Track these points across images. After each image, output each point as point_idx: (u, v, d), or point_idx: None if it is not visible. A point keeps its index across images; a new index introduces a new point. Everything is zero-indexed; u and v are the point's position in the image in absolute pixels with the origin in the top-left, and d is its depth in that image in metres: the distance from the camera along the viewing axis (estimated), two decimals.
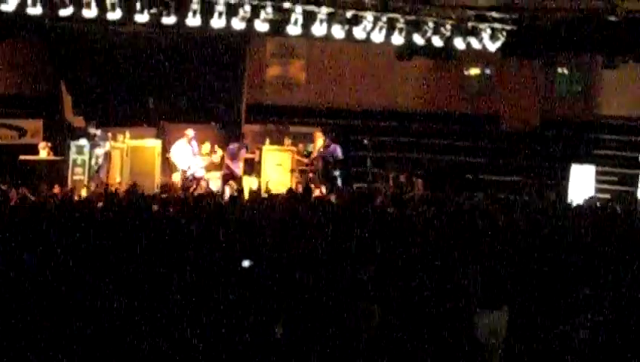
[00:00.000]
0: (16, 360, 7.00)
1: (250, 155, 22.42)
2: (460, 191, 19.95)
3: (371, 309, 8.06)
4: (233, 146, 21.87)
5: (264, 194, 19.09)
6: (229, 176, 21.42)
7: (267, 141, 22.69)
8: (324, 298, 8.50)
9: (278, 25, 19.93)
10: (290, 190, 18.93)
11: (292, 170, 22.10)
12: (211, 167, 21.78)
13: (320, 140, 22.59)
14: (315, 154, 22.44)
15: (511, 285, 9.10)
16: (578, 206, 18.88)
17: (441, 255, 10.87)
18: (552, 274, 10.13)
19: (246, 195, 18.33)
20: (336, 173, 21.86)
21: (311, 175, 21.98)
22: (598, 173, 21.93)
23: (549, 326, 7.82)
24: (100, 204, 15.16)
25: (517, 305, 8.43)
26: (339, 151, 21.96)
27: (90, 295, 8.33)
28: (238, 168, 21.75)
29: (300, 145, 23.11)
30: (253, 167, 22.25)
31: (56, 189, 18.11)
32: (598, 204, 18.81)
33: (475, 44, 21.69)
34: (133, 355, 7.07)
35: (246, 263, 10.19)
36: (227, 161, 21.75)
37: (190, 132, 21.44)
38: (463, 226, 13.76)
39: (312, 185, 20.21)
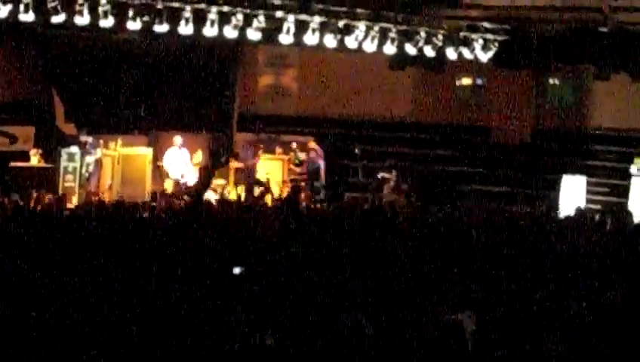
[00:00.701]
0: None
1: (239, 165, 22.49)
2: (448, 201, 20.07)
3: (359, 318, 8.11)
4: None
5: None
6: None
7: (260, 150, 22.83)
8: (314, 307, 8.56)
9: (271, 34, 20.02)
10: (279, 198, 19.10)
11: (283, 181, 22.23)
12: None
13: (312, 143, 22.73)
14: (305, 159, 22.62)
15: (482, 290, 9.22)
16: (567, 216, 19.03)
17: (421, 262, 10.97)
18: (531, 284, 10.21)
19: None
20: (318, 183, 22.00)
21: (302, 184, 22.05)
22: (589, 183, 22.01)
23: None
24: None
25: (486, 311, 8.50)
26: (320, 163, 22.15)
27: (79, 303, 8.35)
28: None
29: (292, 154, 23.18)
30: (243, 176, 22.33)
31: (47, 196, 18.17)
32: (588, 215, 18.97)
33: (466, 54, 21.79)
34: None
35: (237, 270, 10.24)
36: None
37: (178, 139, 21.51)
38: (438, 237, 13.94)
39: (303, 194, 20.34)
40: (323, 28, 20.15)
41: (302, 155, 22.89)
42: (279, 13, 19.77)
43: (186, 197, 20.05)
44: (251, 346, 7.23)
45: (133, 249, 11.50)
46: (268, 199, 20.77)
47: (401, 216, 17.80)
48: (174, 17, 18.88)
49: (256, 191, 21.30)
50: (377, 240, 13.27)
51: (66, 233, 12.98)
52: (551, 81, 23.53)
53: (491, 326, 8.14)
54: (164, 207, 17.62)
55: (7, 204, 17.05)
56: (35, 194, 17.83)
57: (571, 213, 19.43)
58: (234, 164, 22.41)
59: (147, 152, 21.79)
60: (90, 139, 21.01)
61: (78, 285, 9.21)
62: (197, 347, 7.24)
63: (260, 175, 22.20)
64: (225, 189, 21.47)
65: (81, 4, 18.02)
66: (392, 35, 20.86)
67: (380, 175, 21.96)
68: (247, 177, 22.02)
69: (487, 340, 7.84)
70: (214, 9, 19.14)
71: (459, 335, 7.17)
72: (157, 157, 21.74)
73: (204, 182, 21.13)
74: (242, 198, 20.18)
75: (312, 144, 22.73)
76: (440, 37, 21.42)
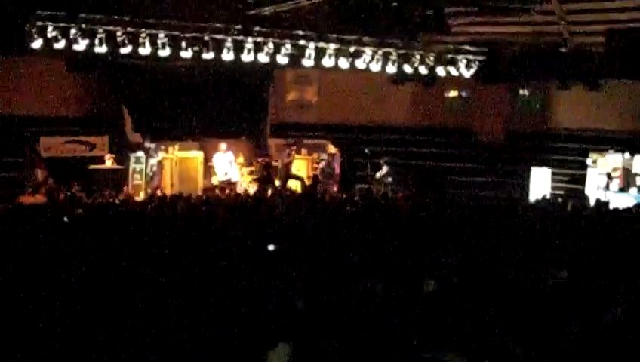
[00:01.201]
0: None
1: (274, 163, 22.63)
2: (440, 190, 20.11)
3: (371, 284, 8.13)
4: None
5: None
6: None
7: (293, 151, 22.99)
8: (335, 275, 8.63)
9: (296, 58, 20.09)
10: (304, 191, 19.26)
11: (308, 176, 22.34)
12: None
13: (332, 149, 22.83)
14: (326, 160, 22.74)
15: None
16: (536, 200, 19.06)
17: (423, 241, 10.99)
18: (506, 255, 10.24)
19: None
20: (332, 182, 22.13)
21: (320, 177, 22.24)
22: (553, 174, 21.98)
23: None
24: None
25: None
26: (335, 167, 22.31)
27: (154, 284, 8.37)
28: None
29: (315, 155, 23.31)
30: (277, 173, 22.44)
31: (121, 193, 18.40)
32: (552, 199, 18.98)
33: (453, 71, 21.84)
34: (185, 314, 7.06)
35: (271, 247, 10.31)
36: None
37: (223, 145, 21.69)
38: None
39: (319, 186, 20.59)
40: (337, 53, 20.20)
41: (323, 155, 23.03)
42: (302, 42, 19.83)
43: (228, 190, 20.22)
44: (285, 309, 7.29)
45: (192, 235, 11.56)
46: (298, 188, 20.98)
47: (400, 202, 17.92)
48: (218, 47, 18.96)
49: (292, 183, 21.48)
50: (380, 222, 13.33)
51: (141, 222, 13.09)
52: (521, 92, 23.47)
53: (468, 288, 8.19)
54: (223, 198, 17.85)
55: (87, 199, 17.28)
56: (109, 192, 18.01)
57: (539, 197, 19.51)
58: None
59: (199, 155, 21.90)
60: (153, 145, 21.19)
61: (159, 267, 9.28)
62: (242, 309, 7.31)
63: (294, 171, 22.43)
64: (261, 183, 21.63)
65: (144, 38, 18.11)
66: (393, 57, 20.91)
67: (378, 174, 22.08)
68: (284, 172, 22.21)
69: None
70: (250, 39, 19.21)
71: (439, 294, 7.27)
72: (206, 159, 21.87)
73: (267, 178, 21.39)
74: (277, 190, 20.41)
75: (331, 146, 22.84)
76: (432, 58, 21.46)
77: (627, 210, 15.12)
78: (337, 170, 22.55)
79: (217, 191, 20.34)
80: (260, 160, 22.24)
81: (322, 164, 22.64)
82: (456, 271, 8.42)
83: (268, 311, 7.18)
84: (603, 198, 17.50)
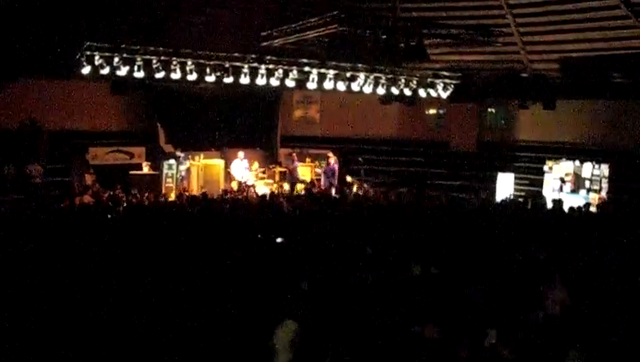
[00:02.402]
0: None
1: (282, 169, 22.64)
2: (422, 192, 20.11)
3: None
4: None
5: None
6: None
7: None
8: (332, 263, 8.61)
9: (301, 82, 20.08)
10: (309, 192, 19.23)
11: (310, 180, 22.35)
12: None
13: (332, 159, 22.80)
14: (327, 164, 22.73)
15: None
16: (502, 200, 19.04)
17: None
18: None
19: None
20: (334, 181, 22.04)
21: (320, 181, 22.36)
22: (516, 178, 21.93)
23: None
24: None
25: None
26: (335, 168, 22.23)
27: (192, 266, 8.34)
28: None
29: (317, 163, 23.32)
30: (285, 177, 22.46)
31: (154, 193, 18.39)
32: (515, 200, 18.98)
33: (432, 93, 21.82)
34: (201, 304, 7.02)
35: (279, 239, 10.27)
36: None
37: (241, 154, 21.73)
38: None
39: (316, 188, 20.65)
40: (336, 77, 20.15)
41: (324, 163, 23.02)
42: (307, 68, 19.81)
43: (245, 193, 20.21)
44: (291, 290, 7.26)
45: (213, 229, 11.53)
46: (299, 188, 21.11)
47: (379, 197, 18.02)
48: (237, 73, 18.92)
49: (299, 186, 21.50)
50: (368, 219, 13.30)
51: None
52: (489, 110, 23.47)
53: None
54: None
55: (129, 198, 17.27)
56: (147, 194, 17.99)
57: (504, 198, 19.51)
58: (278, 169, 22.54)
59: (220, 163, 21.92)
60: (182, 155, 21.19)
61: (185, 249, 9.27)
62: (254, 290, 7.28)
63: (300, 176, 22.46)
64: (272, 185, 21.62)
65: (175, 65, 18.07)
66: (382, 81, 20.87)
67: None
68: (291, 177, 22.24)
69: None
70: (263, 66, 19.16)
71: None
72: (227, 166, 21.86)
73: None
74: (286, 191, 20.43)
75: (331, 154, 22.80)
76: (414, 82, 21.43)
77: (578, 208, 15.21)
78: (337, 171, 22.48)
79: (236, 193, 20.30)
80: (271, 166, 22.46)
81: (325, 168, 22.65)
82: (436, 259, 8.39)
83: (277, 291, 7.17)
84: (559, 198, 17.47)
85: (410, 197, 18.73)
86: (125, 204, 16.04)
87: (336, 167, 22.43)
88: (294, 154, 23.09)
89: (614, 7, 17.71)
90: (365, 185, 21.90)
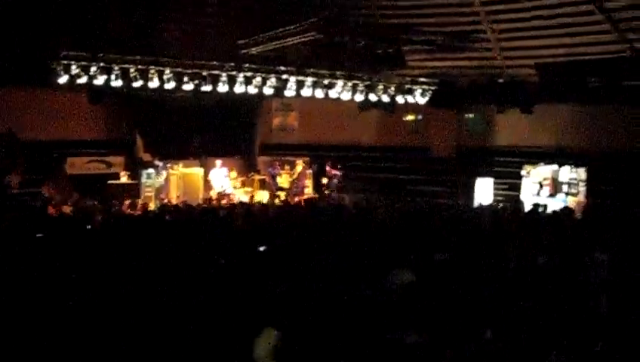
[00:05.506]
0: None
1: (261, 177, 22.62)
2: (401, 199, 20.14)
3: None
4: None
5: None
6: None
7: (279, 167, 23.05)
8: (307, 265, 8.67)
9: (279, 90, 20.10)
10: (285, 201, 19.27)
11: (289, 188, 22.38)
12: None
13: (299, 167, 22.83)
14: (296, 176, 22.69)
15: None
16: (480, 205, 19.15)
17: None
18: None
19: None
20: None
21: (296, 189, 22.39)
22: (494, 183, 22.08)
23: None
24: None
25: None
26: (303, 183, 22.29)
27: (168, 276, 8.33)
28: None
29: (293, 171, 23.36)
30: (264, 185, 22.45)
31: (137, 203, 18.31)
32: (494, 204, 19.09)
33: (410, 99, 21.94)
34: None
35: (261, 248, 10.29)
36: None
37: (218, 162, 21.70)
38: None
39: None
40: (314, 85, 20.23)
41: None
42: (285, 76, 19.84)
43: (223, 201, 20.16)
44: (269, 292, 7.26)
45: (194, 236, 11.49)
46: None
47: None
48: (215, 81, 18.93)
49: (280, 194, 21.55)
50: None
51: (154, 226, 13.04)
52: (467, 115, 23.56)
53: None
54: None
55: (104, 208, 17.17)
56: (128, 202, 17.93)
57: (483, 202, 19.63)
58: (257, 177, 22.54)
59: (199, 171, 21.89)
60: (161, 163, 21.13)
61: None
62: (236, 298, 7.28)
63: (279, 184, 22.50)
64: (252, 193, 21.62)
65: (152, 74, 18.07)
66: (361, 88, 20.98)
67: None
68: (272, 185, 22.24)
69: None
70: (241, 74, 19.18)
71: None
72: (206, 175, 21.82)
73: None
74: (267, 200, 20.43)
75: (299, 162, 22.91)
76: (393, 88, 21.54)
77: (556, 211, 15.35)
78: (304, 185, 22.44)
79: (214, 202, 20.26)
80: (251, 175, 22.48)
81: (295, 182, 22.70)
82: (418, 266, 8.41)
83: (258, 293, 7.18)
84: (538, 202, 17.60)
85: (389, 206, 18.71)
86: (100, 216, 15.89)
87: (305, 182, 22.37)
88: (277, 163, 23.11)
89: (590, 12, 17.89)
90: (340, 194, 21.93)
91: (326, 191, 22.35)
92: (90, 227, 13.51)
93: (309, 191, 22.45)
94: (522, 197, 20.36)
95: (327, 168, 22.43)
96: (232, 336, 6.03)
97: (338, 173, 22.48)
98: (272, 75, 19.65)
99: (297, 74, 19.95)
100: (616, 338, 6.25)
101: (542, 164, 20.76)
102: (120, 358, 6.02)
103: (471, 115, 23.79)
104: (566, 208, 16.21)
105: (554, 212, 15.26)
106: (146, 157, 21.91)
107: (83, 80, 17.48)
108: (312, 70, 20.00)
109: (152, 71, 18.04)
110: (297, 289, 7.49)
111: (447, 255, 9.08)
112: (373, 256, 9.26)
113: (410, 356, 5.63)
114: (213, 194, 21.23)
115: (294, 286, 7.56)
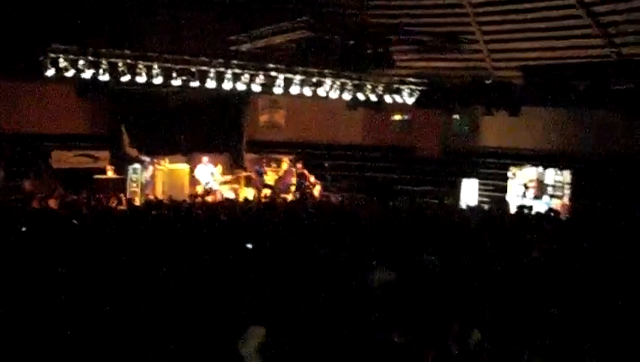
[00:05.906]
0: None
1: (247, 174, 22.57)
2: (388, 199, 20.16)
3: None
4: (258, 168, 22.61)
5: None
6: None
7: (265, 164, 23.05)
8: (292, 264, 8.68)
9: (267, 87, 20.09)
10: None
11: (274, 186, 22.33)
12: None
13: (285, 164, 22.81)
14: (281, 175, 22.64)
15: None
16: (467, 206, 19.21)
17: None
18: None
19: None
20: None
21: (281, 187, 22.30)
22: (480, 184, 22.19)
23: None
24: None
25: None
26: (289, 181, 22.17)
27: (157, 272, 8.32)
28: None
29: (279, 169, 23.30)
30: (250, 182, 22.39)
31: (122, 198, 18.25)
32: (480, 205, 19.15)
33: (398, 99, 22.00)
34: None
35: (249, 245, 10.30)
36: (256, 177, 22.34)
37: (205, 158, 21.60)
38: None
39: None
40: (302, 82, 20.24)
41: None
42: (273, 73, 19.84)
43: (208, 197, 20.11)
44: (258, 290, 7.27)
45: (181, 233, 11.48)
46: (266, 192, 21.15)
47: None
48: (203, 77, 18.90)
49: (265, 191, 21.49)
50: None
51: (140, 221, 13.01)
52: (454, 116, 23.66)
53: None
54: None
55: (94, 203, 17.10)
56: (114, 197, 17.86)
57: (469, 203, 19.70)
58: (243, 174, 22.50)
59: (185, 167, 21.78)
60: (147, 159, 21.07)
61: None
62: (223, 295, 7.28)
63: (265, 181, 22.44)
64: (238, 190, 21.58)
65: (140, 69, 18.01)
66: (349, 87, 21.00)
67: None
68: (258, 182, 22.18)
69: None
70: (230, 71, 19.17)
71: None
72: (192, 171, 21.75)
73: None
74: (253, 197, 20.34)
75: (285, 159, 22.88)
76: (380, 88, 21.60)
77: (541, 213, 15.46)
78: (290, 185, 22.33)
79: (200, 198, 20.19)
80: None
81: (280, 181, 22.62)
82: (404, 265, 8.44)
83: (247, 290, 7.19)
84: (524, 204, 17.72)
85: (373, 205, 18.73)
86: (86, 210, 15.83)
87: (290, 179, 22.30)
88: (263, 161, 23.10)
89: (577, 16, 18.01)
90: (327, 192, 21.92)
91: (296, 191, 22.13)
92: (76, 221, 13.46)
93: (293, 188, 22.39)
94: (508, 198, 20.47)
95: (299, 166, 22.35)
96: (217, 333, 6.03)
97: (306, 172, 22.29)
98: (261, 72, 19.64)
99: (286, 71, 19.96)
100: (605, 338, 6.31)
101: (528, 166, 20.90)
102: (106, 352, 6.01)
103: (458, 116, 23.88)
104: (551, 210, 16.34)
105: (539, 213, 15.37)
106: (133, 152, 21.80)
107: (70, 73, 17.39)
108: (300, 68, 20.00)
109: (140, 66, 17.99)
110: (283, 287, 7.51)
111: (436, 257, 9.11)
112: (357, 255, 9.29)
113: (393, 355, 5.65)
114: (199, 190, 21.17)
115: (280, 284, 7.58)
